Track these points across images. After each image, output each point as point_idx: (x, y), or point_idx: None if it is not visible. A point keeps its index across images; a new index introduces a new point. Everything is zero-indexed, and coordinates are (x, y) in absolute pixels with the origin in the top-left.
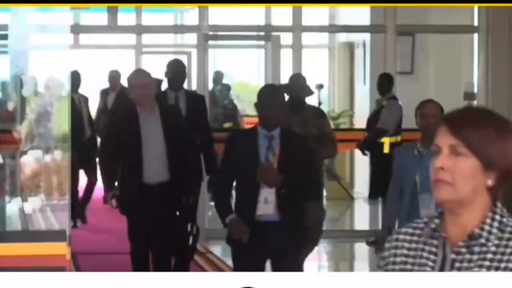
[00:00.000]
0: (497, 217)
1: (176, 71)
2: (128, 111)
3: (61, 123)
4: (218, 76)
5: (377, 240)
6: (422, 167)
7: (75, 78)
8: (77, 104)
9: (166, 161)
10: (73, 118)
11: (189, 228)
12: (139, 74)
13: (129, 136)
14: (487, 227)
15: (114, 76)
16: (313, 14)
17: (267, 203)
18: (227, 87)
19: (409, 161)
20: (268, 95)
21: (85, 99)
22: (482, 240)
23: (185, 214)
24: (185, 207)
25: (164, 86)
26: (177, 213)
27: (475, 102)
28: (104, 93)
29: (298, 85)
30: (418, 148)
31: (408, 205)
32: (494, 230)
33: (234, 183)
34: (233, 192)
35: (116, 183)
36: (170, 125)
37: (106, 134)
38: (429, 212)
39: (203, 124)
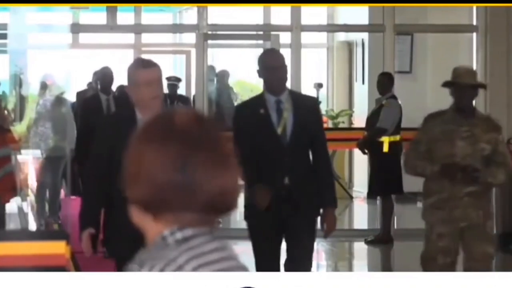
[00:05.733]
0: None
1: (276, 66)
2: (124, 116)
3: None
4: (223, 75)
5: (375, 239)
6: None
7: (106, 77)
8: (104, 107)
9: None
10: (94, 121)
11: None
12: (152, 67)
13: (121, 151)
14: (135, 267)
15: None
16: (312, 14)
17: None
18: (228, 87)
19: None
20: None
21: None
22: None
23: None
24: None
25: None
26: None
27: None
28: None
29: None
30: None
31: None
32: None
33: None
34: None
35: (94, 217)
36: None
37: (94, 146)
38: None
39: (318, 135)
